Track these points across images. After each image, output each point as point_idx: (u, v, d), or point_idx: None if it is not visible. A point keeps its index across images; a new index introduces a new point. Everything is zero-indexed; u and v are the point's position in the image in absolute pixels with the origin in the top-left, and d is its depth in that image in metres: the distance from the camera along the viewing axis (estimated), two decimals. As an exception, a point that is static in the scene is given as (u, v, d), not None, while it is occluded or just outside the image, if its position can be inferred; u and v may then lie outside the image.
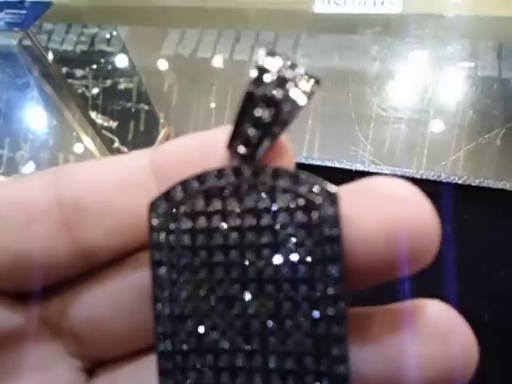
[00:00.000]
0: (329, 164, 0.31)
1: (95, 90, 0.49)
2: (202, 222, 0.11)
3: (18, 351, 0.12)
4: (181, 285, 0.11)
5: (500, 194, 0.29)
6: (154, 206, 0.11)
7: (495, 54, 0.40)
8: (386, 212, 0.10)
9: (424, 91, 0.38)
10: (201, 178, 0.11)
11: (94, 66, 0.51)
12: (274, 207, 0.11)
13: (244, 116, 0.11)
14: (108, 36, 0.54)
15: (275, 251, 0.10)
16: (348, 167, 0.30)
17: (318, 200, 0.10)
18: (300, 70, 0.11)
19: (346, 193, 0.10)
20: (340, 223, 0.10)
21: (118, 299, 0.12)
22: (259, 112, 0.11)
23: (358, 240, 0.10)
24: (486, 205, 0.30)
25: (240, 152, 0.11)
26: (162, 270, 0.11)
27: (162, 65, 0.49)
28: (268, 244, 0.10)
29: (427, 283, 0.28)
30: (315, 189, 0.10)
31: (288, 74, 0.11)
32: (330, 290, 0.10)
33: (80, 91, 0.49)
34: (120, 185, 0.12)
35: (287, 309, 0.10)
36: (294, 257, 0.10)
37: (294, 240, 0.10)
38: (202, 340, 0.11)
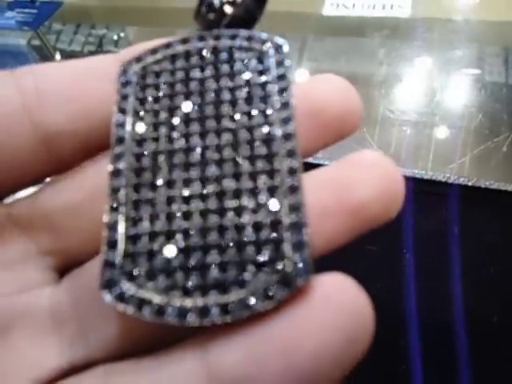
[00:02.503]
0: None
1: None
2: (166, 77, 0.12)
3: None
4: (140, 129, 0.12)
5: (510, 196, 0.29)
6: (124, 67, 0.12)
7: (503, 58, 0.40)
8: None
9: (431, 95, 0.38)
10: (168, 45, 0.12)
11: (102, 67, 0.51)
12: (233, 61, 0.12)
13: None
14: (116, 37, 0.54)
15: (233, 99, 0.11)
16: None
17: (269, 50, 0.12)
18: None
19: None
20: (288, 65, 0.12)
21: (92, 185, 0.12)
22: None
23: None
24: (495, 207, 0.30)
25: (208, 18, 0.12)
26: (121, 116, 0.12)
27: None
28: (228, 87, 0.12)
29: (435, 284, 0.28)
30: (265, 39, 0.12)
31: None
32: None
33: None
34: (84, 71, 0.12)
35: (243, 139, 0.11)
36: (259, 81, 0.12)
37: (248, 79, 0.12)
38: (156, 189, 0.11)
